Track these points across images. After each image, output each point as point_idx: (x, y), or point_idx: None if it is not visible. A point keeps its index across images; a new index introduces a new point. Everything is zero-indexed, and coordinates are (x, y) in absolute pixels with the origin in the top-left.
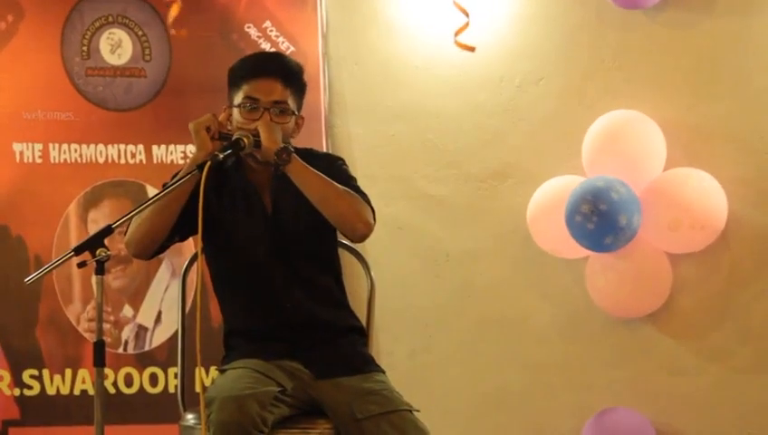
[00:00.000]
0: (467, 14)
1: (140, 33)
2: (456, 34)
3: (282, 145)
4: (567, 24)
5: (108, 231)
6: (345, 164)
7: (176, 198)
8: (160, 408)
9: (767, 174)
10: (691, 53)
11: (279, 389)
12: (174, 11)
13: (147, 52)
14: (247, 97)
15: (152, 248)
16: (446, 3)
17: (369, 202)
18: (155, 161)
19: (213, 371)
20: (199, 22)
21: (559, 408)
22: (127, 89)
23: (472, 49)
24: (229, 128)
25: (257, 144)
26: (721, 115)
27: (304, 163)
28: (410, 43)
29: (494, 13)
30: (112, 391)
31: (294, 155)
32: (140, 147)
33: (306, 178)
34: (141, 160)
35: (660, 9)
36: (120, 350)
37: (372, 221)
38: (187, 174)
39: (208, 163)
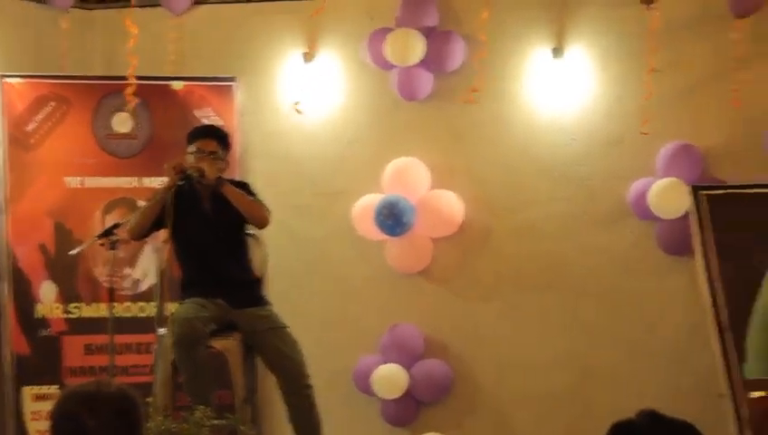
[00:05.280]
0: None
1: (135, 115)
2: (299, 112)
3: (217, 175)
4: (372, 108)
5: (117, 226)
6: (251, 185)
7: (155, 207)
8: (145, 325)
9: (497, 188)
10: (439, 126)
11: (211, 314)
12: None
13: (139, 125)
14: (196, 149)
15: (141, 235)
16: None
17: (266, 206)
18: (143, 186)
19: (175, 304)
20: (164, 109)
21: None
22: (128, 145)
23: (301, 112)
24: (185, 166)
25: (202, 175)
26: (460, 159)
27: (231, 185)
28: (286, 117)
29: (326, 101)
30: (118, 315)
31: (225, 181)
32: (135, 178)
33: (233, 194)
34: (135, 186)
35: (428, 99)
36: (123, 292)
37: (269, 217)
38: (161, 194)
39: (173, 187)
